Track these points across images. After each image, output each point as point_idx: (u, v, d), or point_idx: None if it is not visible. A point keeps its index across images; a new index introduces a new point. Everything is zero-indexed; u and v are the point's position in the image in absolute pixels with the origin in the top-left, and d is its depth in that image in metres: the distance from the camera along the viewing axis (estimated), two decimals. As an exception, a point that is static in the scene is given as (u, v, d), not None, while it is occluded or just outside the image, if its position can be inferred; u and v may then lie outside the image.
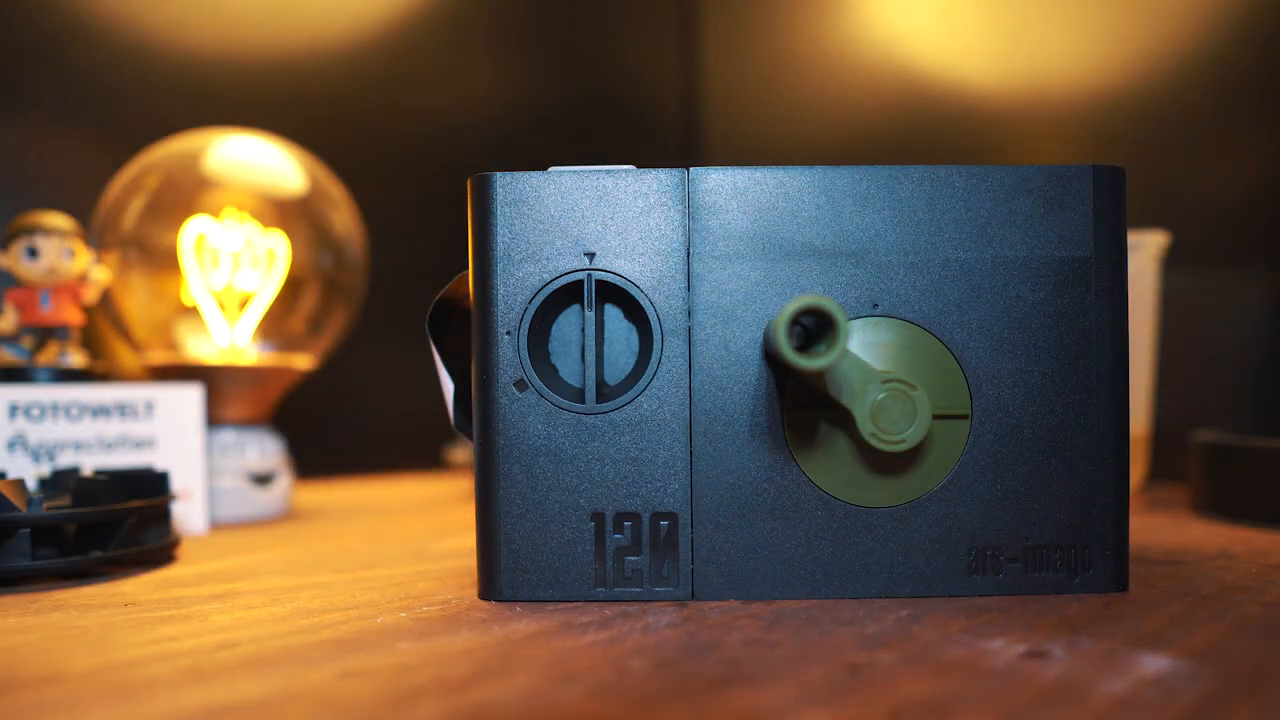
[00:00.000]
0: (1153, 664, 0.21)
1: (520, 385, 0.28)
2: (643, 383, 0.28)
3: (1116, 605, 0.27)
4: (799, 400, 0.28)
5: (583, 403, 0.28)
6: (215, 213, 0.53)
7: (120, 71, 0.66)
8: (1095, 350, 0.29)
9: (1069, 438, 0.29)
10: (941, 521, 0.29)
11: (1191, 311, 0.63)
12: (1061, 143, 0.69)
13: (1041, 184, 0.29)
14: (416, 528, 0.47)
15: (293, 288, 0.56)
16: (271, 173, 0.57)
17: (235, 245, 0.53)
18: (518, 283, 0.28)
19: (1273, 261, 0.62)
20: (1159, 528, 0.43)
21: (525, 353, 0.28)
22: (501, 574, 0.28)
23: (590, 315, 0.28)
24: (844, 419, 0.28)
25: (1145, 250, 0.57)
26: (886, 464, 0.28)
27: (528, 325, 0.28)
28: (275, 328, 0.56)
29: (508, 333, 0.28)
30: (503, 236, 0.28)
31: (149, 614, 0.28)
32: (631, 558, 0.28)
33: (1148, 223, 0.59)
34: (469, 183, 0.29)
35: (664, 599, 0.28)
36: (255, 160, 0.56)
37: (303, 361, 0.55)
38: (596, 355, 0.29)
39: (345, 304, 0.59)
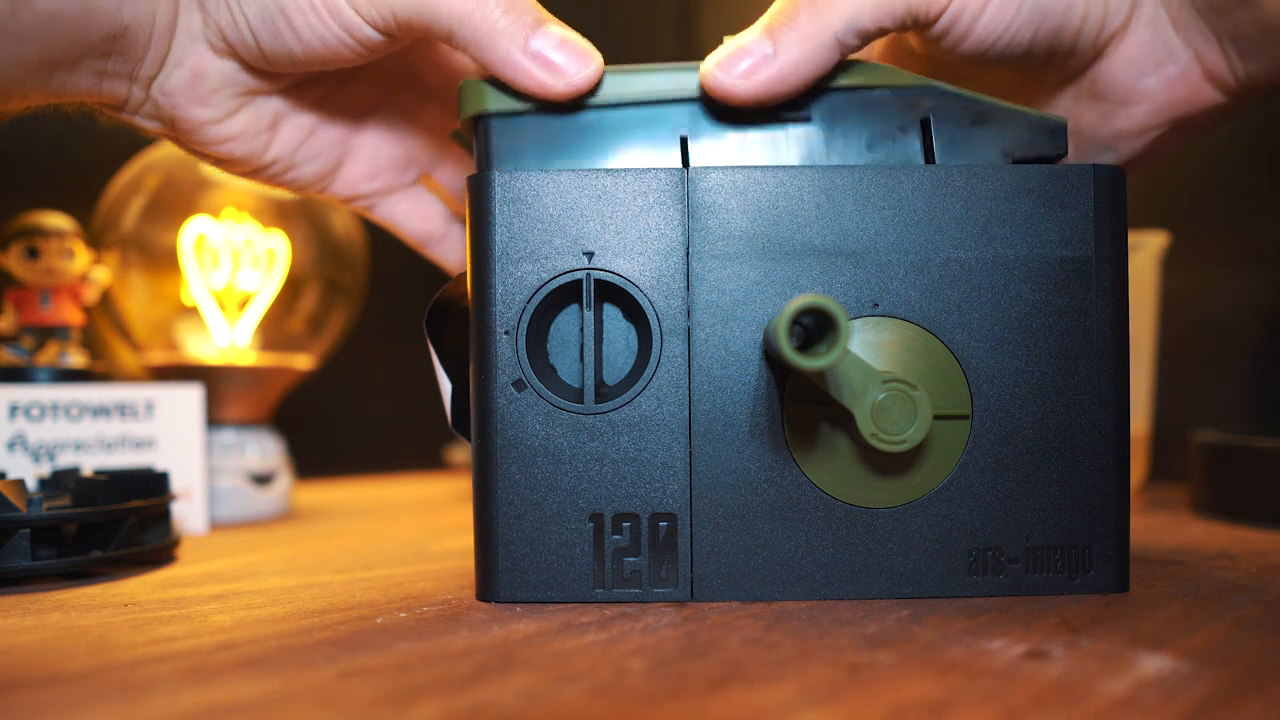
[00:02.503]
0: (1153, 664, 0.21)
1: (519, 385, 0.28)
2: (641, 383, 0.28)
3: (1116, 605, 0.27)
4: (799, 400, 0.28)
5: (581, 403, 0.28)
6: (215, 213, 0.53)
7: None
8: (1096, 350, 0.29)
9: (1070, 438, 0.29)
10: (942, 522, 0.28)
11: (1191, 311, 0.63)
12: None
13: (1042, 183, 0.29)
14: (416, 528, 0.47)
15: (293, 288, 0.56)
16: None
17: (235, 245, 0.53)
18: (516, 282, 0.28)
19: (1272, 261, 0.62)
20: (1159, 528, 0.43)
21: (524, 352, 0.28)
22: (499, 575, 0.28)
23: (589, 315, 0.28)
24: (844, 419, 0.28)
25: (1145, 250, 0.57)
26: (887, 464, 0.28)
27: (526, 325, 0.28)
28: (275, 328, 0.56)
29: (506, 332, 0.28)
30: (501, 236, 0.28)
31: (149, 614, 0.28)
32: (630, 559, 0.28)
33: (1148, 223, 0.59)
34: (467, 181, 0.29)
35: (663, 600, 0.28)
36: (255, 160, 0.56)
37: (303, 361, 0.55)
38: (596, 355, 0.29)
39: (345, 304, 0.59)
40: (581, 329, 0.28)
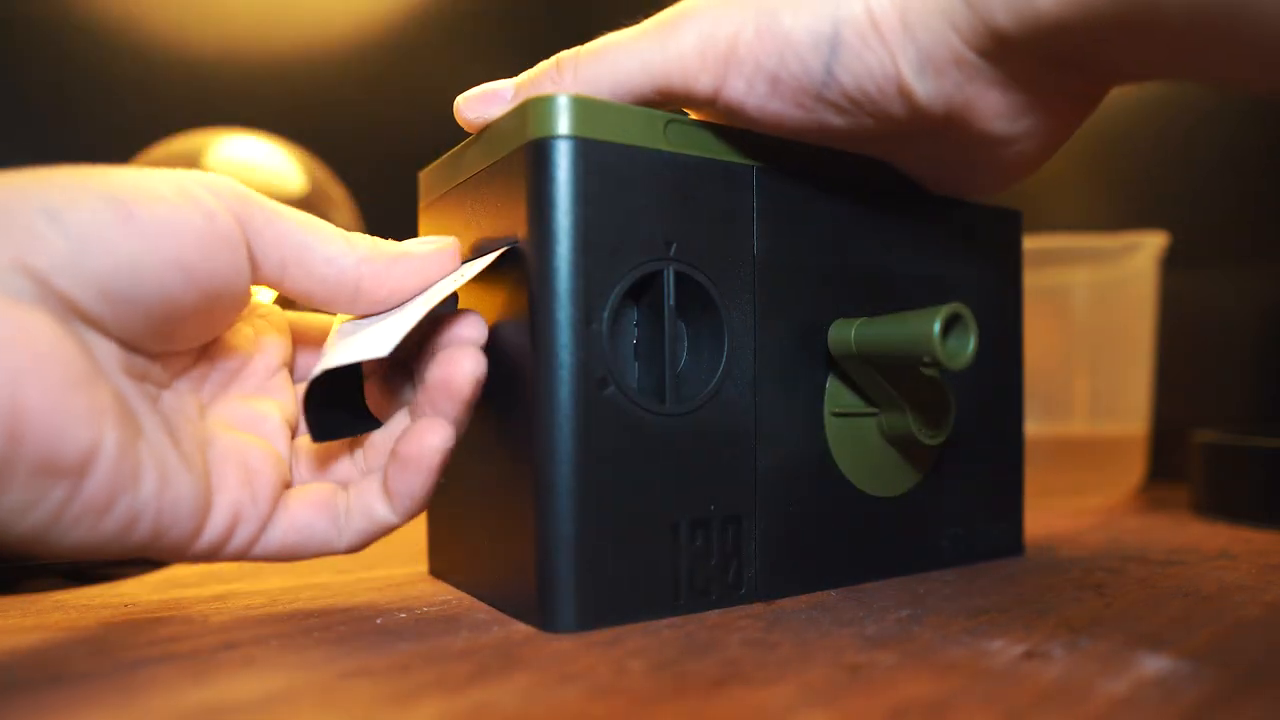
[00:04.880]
0: (1153, 664, 0.21)
1: (603, 383, 0.25)
2: (715, 383, 0.27)
3: (1116, 605, 0.27)
4: (838, 403, 0.30)
5: (664, 403, 0.26)
6: (215, 213, 0.53)
7: (120, 71, 0.66)
8: (1013, 369, 0.36)
9: (996, 442, 0.35)
10: (926, 505, 0.33)
11: (1191, 311, 0.63)
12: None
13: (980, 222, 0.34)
14: (416, 527, 0.47)
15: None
16: (271, 173, 0.57)
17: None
18: (599, 267, 0.25)
19: (1271, 261, 0.62)
20: (1159, 528, 0.43)
21: (609, 347, 0.25)
22: (576, 599, 0.25)
23: (670, 310, 0.26)
24: (869, 422, 0.31)
25: (1145, 250, 0.57)
26: (902, 458, 0.32)
27: (610, 316, 0.25)
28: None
29: (591, 324, 0.25)
30: (584, 213, 0.25)
31: (149, 615, 0.28)
32: (705, 565, 0.27)
33: (1148, 223, 0.59)
34: (533, 147, 0.25)
35: (733, 604, 0.28)
36: (255, 160, 0.56)
37: (303, 362, 0.55)
38: (673, 353, 0.27)
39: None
40: (665, 324, 0.26)
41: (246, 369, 0.27)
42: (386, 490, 0.26)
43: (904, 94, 0.26)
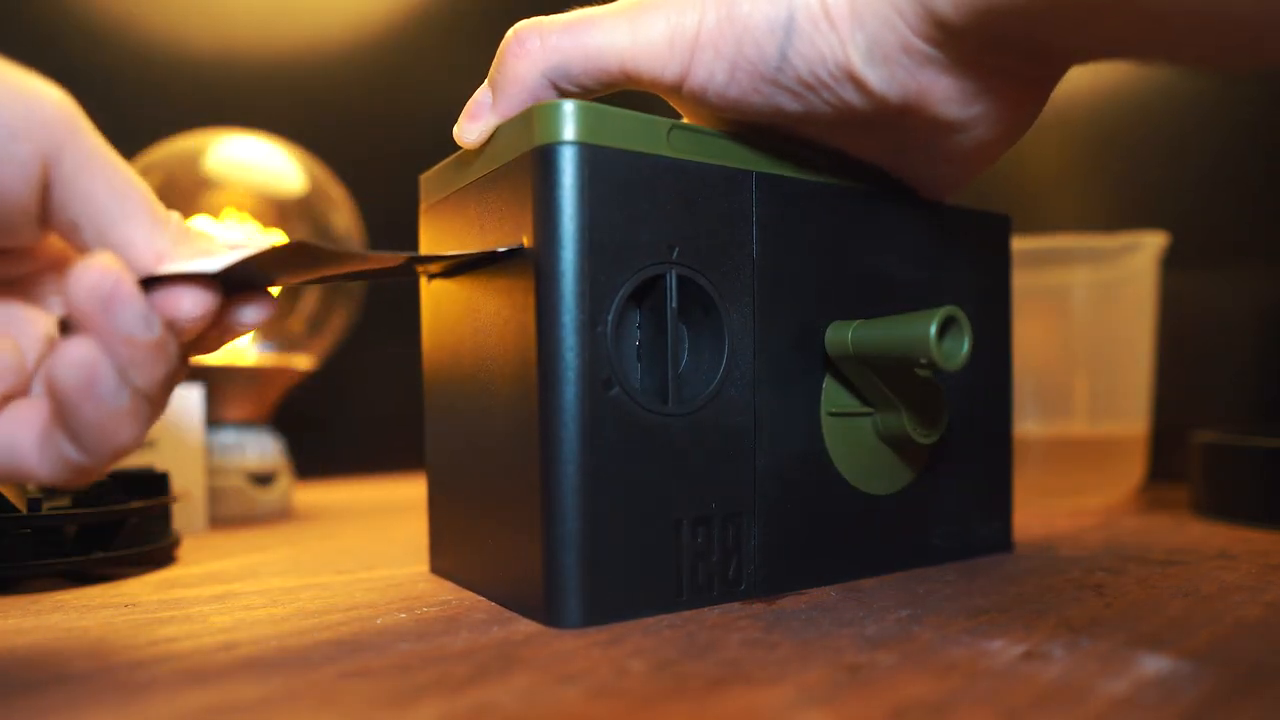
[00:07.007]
0: (1153, 664, 0.21)
1: (608, 384, 0.25)
2: (716, 384, 0.28)
3: (1116, 605, 0.27)
4: (835, 403, 0.31)
5: (666, 404, 0.27)
6: (215, 213, 0.53)
7: (120, 71, 0.66)
8: (1002, 370, 0.36)
9: (989, 440, 0.36)
10: (919, 503, 0.33)
11: (1191, 311, 0.63)
12: (1061, 143, 0.70)
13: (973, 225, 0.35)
14: (416, 528, 0.47)
15: (293, 288, 0.56)
16: (271, 173, 0.57)
17: (235, 245, 0.53)
18: (605, 271, 0.25)
19: (1271, 261, 0.62)
20: (1159, 528, 0.43)
21: (613, 349, 0.26)
22: (582, 595, 0.25)
23: (671, 312, 0.27)
24: (867, 421, 0.31)
25: (1145, 250, 0.57)
26: (897, 457, 0.32)
27: (615, 318, 0.26)
28: (275, 328, 0.56)
29: (598, 327, 0.25)
30: (590, 217, 0.25)
31: (149, 615, 0.28)
32: (706, 563, 0.27)
33: (1148, 223, 0.59)
34: (540, 153, 0.25)
35: (736, 599, 0.28)
36: (255, 160, 0.56)
37: (303, 361, 0.55)
38: (674, 355, 0.27)
39: (345, 304, 0.59)
40: (669, 326, 0.27)
41: (40, 278, 0.25)
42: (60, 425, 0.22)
43: (854, 80, 0.26)
